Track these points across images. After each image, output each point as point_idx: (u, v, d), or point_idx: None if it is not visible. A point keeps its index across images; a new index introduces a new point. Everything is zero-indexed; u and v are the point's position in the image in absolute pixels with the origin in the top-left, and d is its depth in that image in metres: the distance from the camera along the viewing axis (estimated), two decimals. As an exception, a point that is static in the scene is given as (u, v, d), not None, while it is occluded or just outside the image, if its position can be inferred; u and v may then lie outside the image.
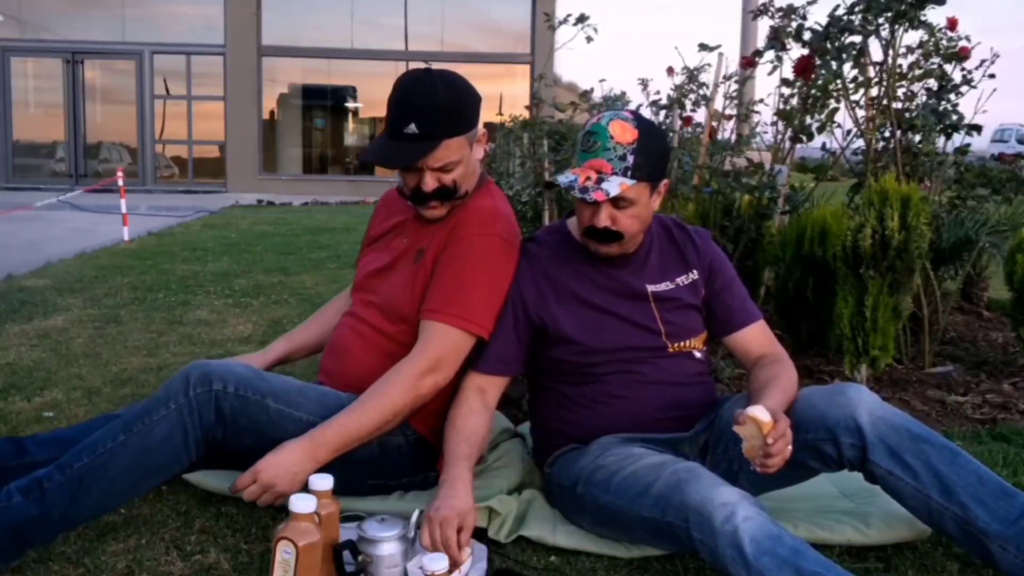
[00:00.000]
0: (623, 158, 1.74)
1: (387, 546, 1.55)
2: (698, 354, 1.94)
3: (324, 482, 1.53)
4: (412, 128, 1.80)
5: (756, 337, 1.96)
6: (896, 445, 1.63)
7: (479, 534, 1.78)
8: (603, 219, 1.77)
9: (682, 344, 1.91)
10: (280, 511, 1.70)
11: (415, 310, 1.89)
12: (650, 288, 1.90)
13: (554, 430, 1.95)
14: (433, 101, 1.81)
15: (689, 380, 1.92)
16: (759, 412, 1.56)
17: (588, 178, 1.74)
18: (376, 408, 1.78)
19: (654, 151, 1.79)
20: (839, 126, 3.47)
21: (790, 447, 1.57)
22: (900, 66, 3.33)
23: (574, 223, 1.94)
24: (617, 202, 1.76)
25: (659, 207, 1.90)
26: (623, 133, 1.75)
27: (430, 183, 1.86)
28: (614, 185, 1.73)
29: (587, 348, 1.87)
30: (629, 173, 1.74)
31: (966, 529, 1.60)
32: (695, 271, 1.95)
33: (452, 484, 1.66)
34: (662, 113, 4.01)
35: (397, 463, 1.91)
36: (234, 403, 1.68)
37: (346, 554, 1.53)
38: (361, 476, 1.85)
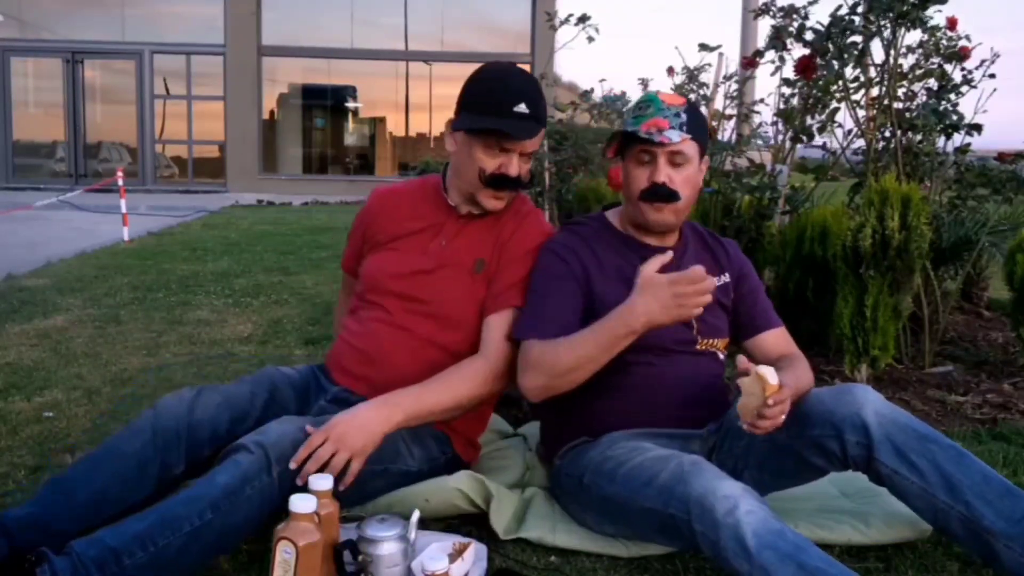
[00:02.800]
0: (678, 115, 1.83)
1: (387, 546, 1.54)
2: (721, 356, 1.97)
3: (324, 482, 1.53)
4: (523, 108, 1.84)
5: (777, 340, 2.02)
6: (902, 444, 1.63)
7: (479, 534, 1.78)
8: (663, 174, 1.83)
9: (710, 342, 1.93)
10: (280, 511, 1.70)
11: (475, 321, 1.89)
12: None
13: (567, 421, 1.94)
14: (537, 89, 1.89)
15: (709, 380, 1.94)
16: (768, 372, 1.57)
17: (650, 129, 1.82)
18: (450, 392, 1.81)
19: (699, 118, 1.89)
20: (840, 126, 3.48)
21: (783, 417, 1.59)
22: (901, 66, 3.33)
23: (614, 214, 2.01)
24: (674, 158, 1.84)
25: (699, 189, 1.96)
26: (672, 98, 1.87)
27: (516, 167, 1.88)
28: (675, 134, 1.81)
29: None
30: (685, 128, 1.83)
31: (971, 528, 1.60)
32: (727, 274, 2.00)
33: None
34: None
35: (435, 477, 1.89)
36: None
37: (346, 554, 1.53)
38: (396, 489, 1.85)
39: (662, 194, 1.85)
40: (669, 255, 1.68)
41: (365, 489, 1.76)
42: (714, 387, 1.95)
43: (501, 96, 1.84)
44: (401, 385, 1.80)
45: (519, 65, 2.01)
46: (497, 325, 1.89)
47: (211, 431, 1.74)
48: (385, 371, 1.89)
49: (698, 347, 1.91)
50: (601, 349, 1.72)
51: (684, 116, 1.83)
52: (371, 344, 1.93)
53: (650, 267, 1.66)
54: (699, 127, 1.88)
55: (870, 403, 1.67)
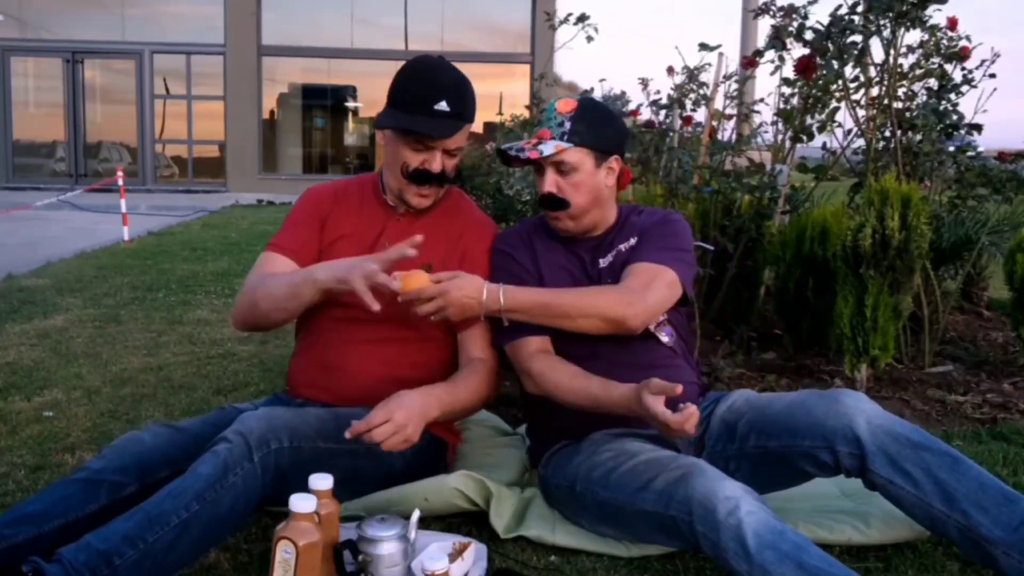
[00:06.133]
0: (560, 124, 1.88)
1: (387, 546, 1.55)
2: (664, 337, 1.93)
3: (324, 482, 1.53)
4: (443, 105, 1.84)
5: (636, 272, 1.89)
6: (896, 454, 1.62)
7: (479, 534, 1.78)
8: (547, 184, 1.89)
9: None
10: (279, 512, 1.70)
11: (431, 323, 1.86)
12: (601, 263, 1.96)
13: (544, 427, 1.98)
14: (461, 83, 1.88)
15: (657, 364, 1.88)
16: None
17: (529, 143, 1.90)
18: (473, 393, 1.88)
19: (594, 120, 1.90)
20: (840, 126, 3.47)
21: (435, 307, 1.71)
22: (901, 66, 3.33)
23: None
24: (559, 167, 1.88)
25: (618, 187, 1.99)
26: (564, 106, 1.91)
27: (438, 164, 1.89)
28: (549, 146, 1.86)
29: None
30: (565, 137, 1.87)
31: (969, 537, 1.59)
32: (634, 238, 1.98)
33: None
34: (662, 113, 4.00)
35: (421, 463, 1.90)
36: (291, 456, 1.64)
37: (346, 554, 1.53)
38: (395, 482, 1.85)
39: (551, 203, 1.90)
40: (678, 389, 1.58)
41: (356, 475, 1.77)
42: (666, 369, 1.84)
43: (423, 93, 1.85)
44: (360, 391, 1.83)
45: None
46: (476, 336, 1.95)
47: (164, 455, 1.74)
48: (343, 378, 1.92)
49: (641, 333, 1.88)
50: (603, 410, 1.78)
51: (568, 124, 1.87)
52: (327, 354, 1.95)
53: (658, 408, 1.59)
54: (591, 129, 1.88)
55: (862, 412, 1.66)
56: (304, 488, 1.51)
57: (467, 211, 2.08)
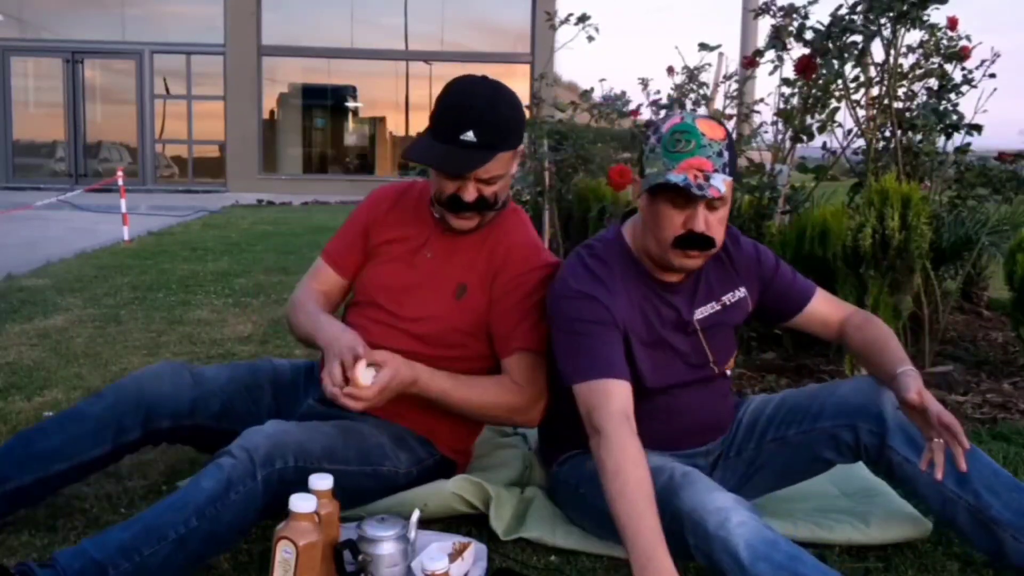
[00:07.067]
0: (720, 154, 1.61)
1: (387, 546, 1.54)
2: (729, 372, 1.90)
3: (324, 482, 1.53)
4: (470, 136, 1.74)
5: (824, 307, 1.88)
6: (915, 434, 1.65)
7: (479, 534, 1.78)
8: (702, 222, 1.61)
9: (725, 367, 1.86)
10: (279, 512, 1.70)
11: (460, 341, 1.87)
12: (696, 316, 1.78)
13: (575, 434, 1.79)
14: (495, 112, 1.77)
15: (721, 401, 1.88)
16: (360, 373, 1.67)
17: (696, 176, 1.59)
18: (475, 400, 1.84)
19: (735, 150, 1.71)
20: (840, 125, 3.47)
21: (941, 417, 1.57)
22: (901, 66, 3.33)
23: (630, 230, 1.79)
24: (713, 202, 1.62)
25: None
26: (713, 131, 1.64)
27: (472, 193, 1.79)
28: (719, 181, 1.59)
29: (648, 387, 1.73)
30: (727, 170, 1.62)
31: (978, 518, 1.61)
32: (741, 288, 1.84)
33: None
34: (662, 113, 4.00)
35: (426, 482, 1.89)
36: (295, 475, 1.61)
37: (346, 554, 1.53)
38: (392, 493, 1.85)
39: (699, 242, 1.64)
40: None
41: (359, 492, 1.77)
42: (724, 402, 1.89)
43: (452, 119, 1.76)
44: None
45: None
46: (516, 368, 1.86)
47: (173, 407, 1.81)
48: None
49: (715, 374, 1.83)
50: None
51: (727, 154, 1.62)
52: None
53: None
54: (735, 160, 1.68)
55: (887, 392, 1.69)
56: None
57: (515, 231, 1.94)
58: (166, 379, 1.85)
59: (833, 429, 1.70)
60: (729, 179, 1.61)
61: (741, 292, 1.84)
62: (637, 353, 1.72)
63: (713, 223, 1.63)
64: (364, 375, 1.68)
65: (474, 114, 1.75)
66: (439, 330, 1.87)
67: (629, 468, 1.49)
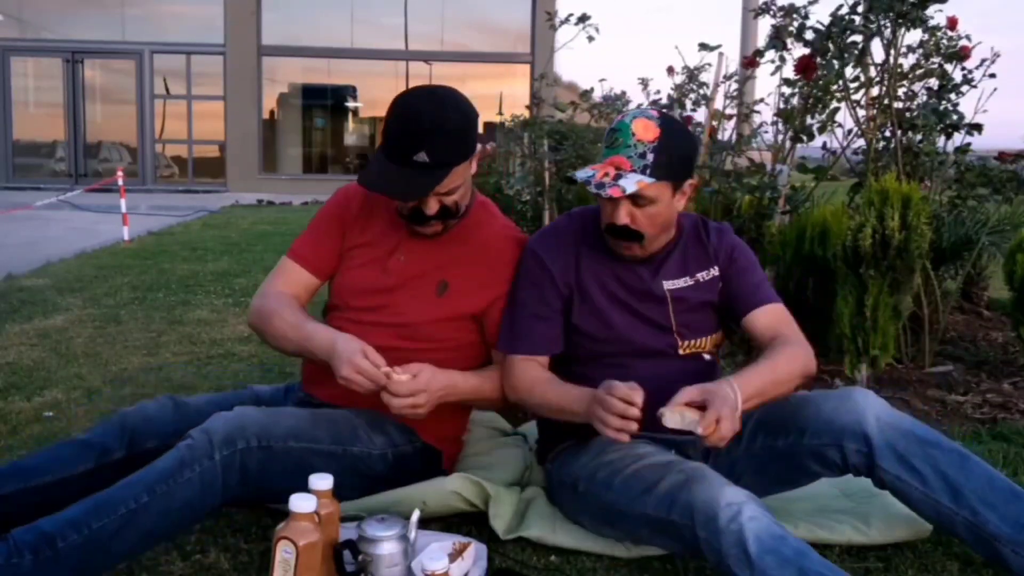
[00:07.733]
0: (643, 155, 1.70)
1: (387, 546, 1.54)
2: (707, 356, 1.91)
3: (324, 482, 1.53)
4: (423, 156, 1.73)
5: (768, 319, 1.86)
6: (904, 450, 1.63)
7: (479, 534, 1.78)
8: (621, 216, 1.72)
9: (693, 343, 1.88)
10: (279, 512, 1.70)
11: (445, 335, 1.91)
12: (667, 286, 1.86)
13: (554, 423, 1.92)
14: (444, 127, 1.74)
15: (692, 382, 1.87)
16: (671, 421, 1.55)
17: (606, 174, 1.70)
18: (485, 388, 1.91)
19: (677, 150, 1.74)
20: (840, 126, 3.48)
21: (731, 425, 1.53)
22: (901, 66, 3.33)
23: None
24: (636, 200, 1.71)
25: (684, 207, 1.87)
26: (645, 131, 1.71)
27: (433, 207, 1.81)
28: (631, 182, 1.67)
29: (599, 337, 1.86)
30: (648, 171, 1.69)
31: (977, 534, 1.60)
32: (715, 267, 1.90)
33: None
34: (662, 113, 4.01)
35: (408, 470, 1.89)
36: (259, 456, 1.64)
37: (346, 554, 1.53)
38: (378, 487, 1.85)
39: (622, 235, 1.76)
40: (637, 397, 1.58)
41: (334, 476, 1.76)
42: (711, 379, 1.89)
43: (403, 140, 1.75)
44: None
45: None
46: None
47: (157, 428, 1.83)
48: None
49: (680, 351, 1.87)
50: (566, 416, 1.78)
51: (651, 157, 1.69)
52: None
53: (621, 390, 1.59)
54: (673, 161, 1.73)
55: (871, 409, 1.67)
56: (284, 486, 1.52)
57: (488, 223, 1.99)
58: (150, 407, 1.88)
59: (819, 447, 1.69)
60: (647, 180, 1.69)
61: (715, 271, 1.91)
62: (578, 309, 1.87)
63: (640, 217, 1.74)
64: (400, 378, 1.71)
65: (423, 132, 1.73)
66: (424, 326, 1.90)
67: (531, 384, 1.85)
